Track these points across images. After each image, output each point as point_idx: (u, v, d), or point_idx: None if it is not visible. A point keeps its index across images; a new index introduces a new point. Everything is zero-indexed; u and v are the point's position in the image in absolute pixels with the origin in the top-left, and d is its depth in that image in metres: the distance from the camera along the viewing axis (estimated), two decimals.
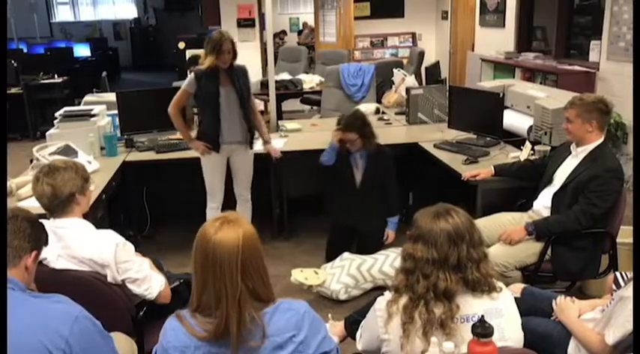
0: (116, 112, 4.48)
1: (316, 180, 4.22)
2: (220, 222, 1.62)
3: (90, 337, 1.54)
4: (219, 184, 3.96)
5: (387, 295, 1.86)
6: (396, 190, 3.97)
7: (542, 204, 3.25)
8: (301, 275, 3.65)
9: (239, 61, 3.83)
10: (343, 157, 3.86)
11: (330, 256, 3.95)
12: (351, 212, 3.88)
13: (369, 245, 3.90)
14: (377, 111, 5.67)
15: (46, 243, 1.79)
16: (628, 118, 5.34)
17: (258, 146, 4.19)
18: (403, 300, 1.79)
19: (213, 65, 3.65)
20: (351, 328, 2.66)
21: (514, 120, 4.81)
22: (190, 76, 3.77)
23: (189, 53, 6.63)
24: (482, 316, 1.63)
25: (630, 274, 2.29)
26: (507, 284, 1.88)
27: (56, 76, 8.79)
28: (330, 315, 3.17)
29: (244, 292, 1.57)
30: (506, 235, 3.11)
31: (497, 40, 7.93)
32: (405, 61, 8.55)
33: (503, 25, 7.89)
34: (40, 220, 1.80)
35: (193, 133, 3.98)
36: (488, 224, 3.28)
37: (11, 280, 1.56)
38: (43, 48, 11.50)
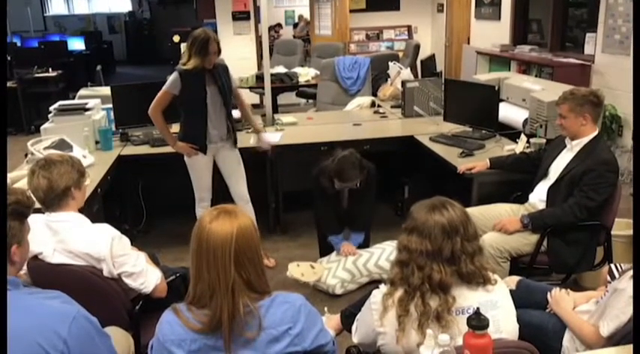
0: (111, 105, 4.46)
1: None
2: (218, 212, 1.64)
3: (88, 336, 1.53)
4: (208, 184, 3.87)
5: (383, 288, 1.87)
6: (370, 209, 3.91)
7: (538, 197, 3.26)
8: (297, 271, 3.64)
9: (232, 56, 3.79)
10: (334, 188, 3.74)
11: (324, 252, 3.96)
12: (341, 226, 3.90)
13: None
14: (372, 104, 5.67)
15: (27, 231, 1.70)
16: (623, 110, 5.36)
17: (251, 141, 4.18)
18: (399, 293, 1.79)
19: (199, 66, 3.52)
20: (347, 321, 2.67)
21: (509, 113, 4.81)
22: (174, 76, 3.59)
23: (183, 46, 6.60)
24: (478, 308, 1.63)
25: (625, 266, 2.30)
26: (493, 271, 1.88)
27: (50, 69, 8.75)
28: (325, 308, 3.17)
29: (238, 282, 1.58)
30: (500, 225, 3.13)
31: (492, 33, 7.92)
32: (400, 54, 8.54)
33: (499, 18, 7.88)
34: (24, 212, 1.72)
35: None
36: (485, 213, 3.30)
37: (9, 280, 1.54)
38: (37, 41, 11.43)
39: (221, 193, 3.93)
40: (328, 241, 3.86)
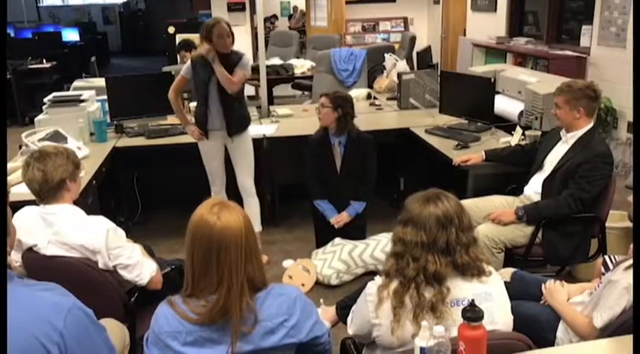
0: (105, 97, 4.45)
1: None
2: (218, 207, 1.61)
3: (83, 328, 1.53)
4: (217, 169, 3.92)
5: (378, 279, 1.87)
6: (372, 177, 3.90)
7: (533, 189, 3.27)
8: (295, 283, 3.61)
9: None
10: (325, 144, 3.83)
11: (320, 242, 3.96)
12: (333, 199, 3.88)
13: (352, 230, 3.88)
14: (368, 96, 5.66)
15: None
16: (618, 103, 5.36)
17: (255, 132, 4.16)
18: (394, 285, 1.80)
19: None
20: (343, 313, 2.68)
21: (505, 105, 4.82)
22: (188, 62, 3.79)
23: (179, 37, 6.58)
24: (473, 300, 1.64)
25: (619, 258, 2.31)
26: (488, 263, 1.88)
27: (44, 61, 8.70)
28: (321, 300, 3.18)
29: (245, 276, 1.58)
30: (495, 216, 3.14)
31: (488, 25, 7.91)
32: (396, 46, 8.52)
33: (495, 10, 7.88)
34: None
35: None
36: (480, 205, 3.31)
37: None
38: (30, 32, 11.35)
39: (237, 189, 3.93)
40: (315, 205, 3.89)
